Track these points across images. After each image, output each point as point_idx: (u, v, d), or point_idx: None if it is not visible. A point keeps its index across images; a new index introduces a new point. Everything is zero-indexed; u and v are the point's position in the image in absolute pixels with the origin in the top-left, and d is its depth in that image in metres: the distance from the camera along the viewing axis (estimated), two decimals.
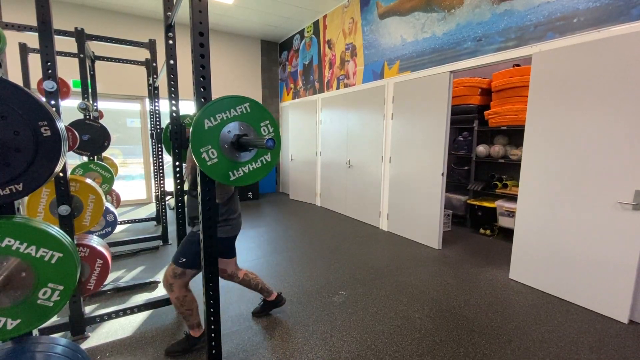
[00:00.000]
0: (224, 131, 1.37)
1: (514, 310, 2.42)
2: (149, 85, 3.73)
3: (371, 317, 2.31)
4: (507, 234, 4.00)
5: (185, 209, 2.00)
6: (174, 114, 2.06)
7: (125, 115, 6.45)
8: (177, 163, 2.39)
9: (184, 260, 1.82)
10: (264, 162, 1.49)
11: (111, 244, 3.45)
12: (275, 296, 2.32)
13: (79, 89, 3.11)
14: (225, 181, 1.39)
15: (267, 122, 1.48)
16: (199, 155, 1.32)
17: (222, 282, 2.75)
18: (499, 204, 3.96)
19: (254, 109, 1.44)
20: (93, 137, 2.95)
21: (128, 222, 4.53)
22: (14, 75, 4.01)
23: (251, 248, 3.74)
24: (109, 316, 2.12)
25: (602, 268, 2.34)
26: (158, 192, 4.31)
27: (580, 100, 2.41)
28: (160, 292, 2.66)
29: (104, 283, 1.94)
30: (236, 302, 2.51)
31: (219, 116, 1.35)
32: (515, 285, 2.81)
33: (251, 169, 1.46)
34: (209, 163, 1.34)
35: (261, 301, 2.34)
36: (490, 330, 2.16)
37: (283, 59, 7.13)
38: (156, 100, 3.25)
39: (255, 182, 1.40)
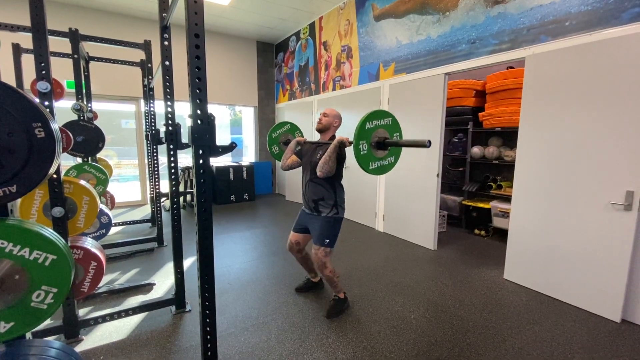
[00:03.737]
0: (374, 133, 1.83)
1: (508, 310, 2.44)
2: (144, 86, 3.71)
3: (367, 317, 2.32)
4: (502, 235, 4.04)
5: (305, 194, 2.37)
6: (169, 115, 2.05)
7: (120, 117, 6.41)
8: (173, 164, 2.38)
9: (328, 241, 2.26)
10: (389, 162, 1.96)
11: (105, 246, 3.42)
12: (320, 279, 2.78)
13: (73, 90, 3.08)
14: (366, 168, 1.83)
15: (398, 133, 1.95)
16: (357, 146, 1.76)
17: (218, 285, 2.75)
18: (494, 204, 3.99)
19: (394, 122, 1.92)
20: (87, 138, 2.93)
21: (123, 223, 4.50)
22: (7, 76, 3.97)
23: (247, 249, 3.73)
24: (104, 319, 2.11)
25: (594, 268, 2.37)
26: (153, 193, 4.29)
27: (572, 102, 2.44)
28: (155, 294, 2.64)
29: (98, 285, 1.92)
30: (232, 303, 2.50)
31: (375, 122, 1.82)
32: (510, 285, 2.83)
33: (380, 165, 1.90)
34: (361, 153, 1.78)
35: (305, 280, 2.77)
36: (485, 329, 2.18)
37: (279, 60, 7.14)
38: (151, 101, 3.23)
39: (381, 174, 1.96)
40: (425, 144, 1.63)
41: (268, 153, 7.54)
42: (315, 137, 2.65)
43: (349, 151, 2.00)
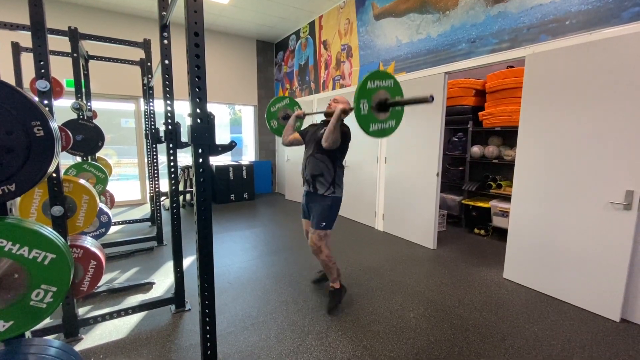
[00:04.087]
0: (375, 94, 1.80)
1: (507, 309, 2.44)
2: (144, 85, 3.70)
3: (367, 316, 2.32)
4: (501, 234, 4.04)
5: (305, 169, 2.38)
6: (169, 114, 2.05)
7: (120, 116, 6.41)
8: (172, 163, 2.38)
9: (324, 224, 2.29)
10: (390, 126, 1.92)
11: (105, 245, 3.42)
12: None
13: (73, 89, 3.08)
14: (367, 130, 1.80)
15: (399, 96, 1.89)
16: (358, 105, 1.73)
17: (218, 284, 2.75)
18: (493, 204, 3.99)
19: (395, 85, 1.87)
20: (87, 137, 2.93)
21: (122, 222, 4.50)
22: (7, 75, 3.96)
23: (247, 248, 3.73)
24: (103, 318, 2.11)
25: (594, 267, 2.37)
26: (153, 192, 4.28)
27: (572, 101, 2.44)
28: (155, 293, 2.64)
29: (98, 284, 1.92)
30: (232, 302, 2.50)
31: (377, 82, 1.78)
32: (509, 285, 2.83)
33: (381, 128, 1.87)
34: (362, 113, 1.75)
35: (320, 272, 2.86)
36: (484, 329, 2.18)
37: (279, 59, 7.13)
38: (151, 100, 3.23)
39: (382, 136, 1.95)
40: (428, 99, 1.61)
41: (268, 152, 7.55)
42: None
43: (352, 127, 1.98)
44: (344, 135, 2.26)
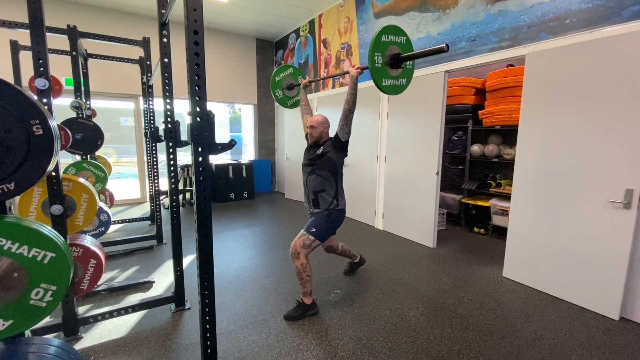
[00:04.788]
0: (388, 49, 1.87)
1: (507, 307, 2.44)
2: (143, 83, 3.69)
3: (366, 315, 2.32)
4: (501, 233, 4.04)
5: (307, 187, 2.35)
6: (169, 113, 2.04)
7: (119, 114, 6.39)
8: (172, 162, 2.37)
9: (315, 230, 2.22)
10: (402, 83, 1.99)
11: (105, 244, 3.42)
12: (359, 258, 2.97)
13: (72, 87, 3.07)
14: (379, 83, 1.86)
15: (411, 52, 1.93)
16: (372, 57, 1.80)
17: (218, 283, 2.76)
18: (493, 202, 4.00)
19: (407, 43, 1.95)
20: (86, 136, 2.92)
21: (122, 221, 4.49)
22: (5, 73, 3.95)
23: (247, 247, 3.73)
24: (103, 316, 2.11)
25: (593, 266, 2.38)
26: (152, 191, 4.28)
27: (572, 100, 2.44)
28: (154, 292, 2.64)
29: (98, 283, 1.92)
30: (231, 301, 2.50)
31: (391, 37, 1.85)
32: (509, 283, 2.84)
33: (393, 84, 1.94)
34: (376, 65, 1.81)
35: (349, 264, 2.97)
36: (483, 327, 2.18)
37: (278, 57, 7.12)
38: (150, 98, 3.22)
39: (394, 93, 2.01)
40: (443, 49, 1.63)
41: (267, 151, 7.54)
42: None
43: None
44: (345, 144, 2.29)
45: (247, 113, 7.59)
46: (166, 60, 2.02)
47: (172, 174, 2.38)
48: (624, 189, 2.18)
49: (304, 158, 2.42)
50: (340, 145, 2.28)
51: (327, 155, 2.28)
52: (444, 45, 1.63)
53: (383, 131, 4.34)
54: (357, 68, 2.20)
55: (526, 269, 2.80)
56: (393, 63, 1.88)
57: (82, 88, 3.21)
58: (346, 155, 2.37)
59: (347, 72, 2.24)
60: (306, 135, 2.46)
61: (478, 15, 3.12)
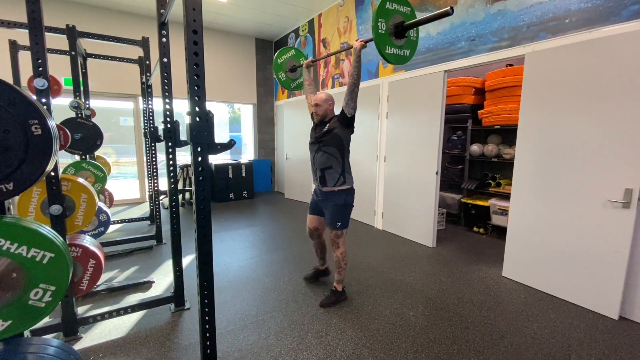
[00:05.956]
0: (392, 17, 1.88)
1: (506, 307, 2.44)
2: (142, 83, 3.69)
3: (366, 315, 2.32)
4: (501, 232, 4.04)
5: (314, 164, 2.39)
6: (168, 113, 2.04)
7: (119, 114, 6.38)
8: (171, 162, 2.37)
9: (340, 224, 2.36)
10: (405, 54, 1.99)
11: (104, 244, 3.42)
12: (326, 268, 2.89)
13: (71, 87, 3.06)
14: (382, 50, 1.86)
15: (415, 19, 1.93)
16: (376, 22, 1.80)
17: (217, 282, 2.75)
18: (493, 202, 4.00)
19: (412, 14, 1.97)
20: (85, 135, 2.91)
21: (121, 221, 4.49)
22: (4, 73, 3.94)
23: (246, 247, 3.73)
24: (102, 317, 2.10)
25: (593, 265, 2.38)
26: (152, 191, 4.28)
27: (571, 99, 2.44)
28: (154, 292, 2.64)
29: (97, 283, 1.92)
30: (231, 301, 2.50)
31: (395, 5, 1.87)
32: (508, 283, 2.84)
33: (396, 53, 1.94)
34: (379, 31, 1.82)
35: (313, 270, 2.88)
36: (483, 327, 2.18)
37: None
38: (150, 98, 3.21)
39: (397, 63, 2.00)
40: (448, 12, 1.63)
41: (267, 151, 7.54)
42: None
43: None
44: (351, 119, 2.31)
45: (247, 113, 7.59)
46: (165, 60, 2.02)
47: (172, 174, 2.37)
48: (624, 189, 2.18)
49: (311, 137, 2.46)
50: (346, 120, 2.30)
51: (333, 131, 2.32)
52: (449, 8, 1.62)
53: (383, 131, 4.34)
54: (361, 41, 2.19)
55: (526, 269, 2.80)
56: (397, 32, 1.89)
57: (81, 88, 3.21)
58: (352, 132, 2.39)
59: (351, 47, 2.24)
60: (311, 114, 2.51)
61: (477, 15, 3.12)
